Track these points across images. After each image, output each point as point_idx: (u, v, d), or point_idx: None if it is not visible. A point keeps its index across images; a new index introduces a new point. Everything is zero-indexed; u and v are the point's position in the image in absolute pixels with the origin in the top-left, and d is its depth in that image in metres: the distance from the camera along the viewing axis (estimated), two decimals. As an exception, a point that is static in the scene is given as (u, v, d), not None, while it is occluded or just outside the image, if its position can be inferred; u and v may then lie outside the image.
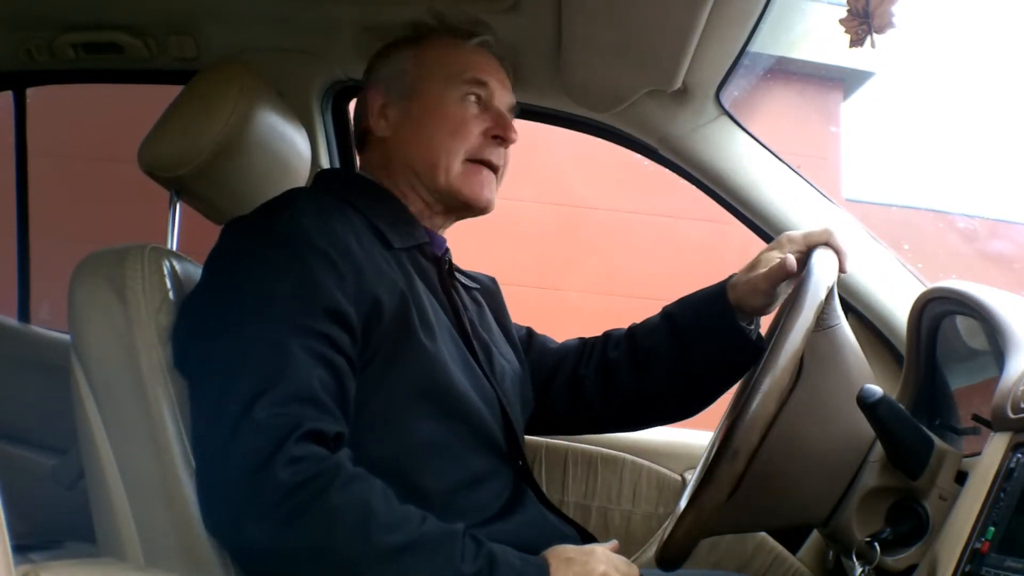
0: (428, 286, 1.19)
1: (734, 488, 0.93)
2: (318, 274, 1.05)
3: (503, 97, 1.28)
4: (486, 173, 1.25)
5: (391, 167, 1.26)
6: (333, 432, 0.99)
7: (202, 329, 1.08)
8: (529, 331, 1.44)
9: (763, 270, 1.23)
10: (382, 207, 1.22)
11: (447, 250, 1.30)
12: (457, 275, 1.32)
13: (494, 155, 1.25)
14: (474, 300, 1.34)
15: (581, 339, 1.42)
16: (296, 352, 1.00)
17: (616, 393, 1.35)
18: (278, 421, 0.95)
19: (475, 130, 1.24)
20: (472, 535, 1.01)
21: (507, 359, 1.31)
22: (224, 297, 1.08)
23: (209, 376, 1.04)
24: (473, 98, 1.25)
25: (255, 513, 0.94)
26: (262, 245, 1.09)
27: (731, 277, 1.28)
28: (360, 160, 1.35)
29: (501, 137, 1.25)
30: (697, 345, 1.28)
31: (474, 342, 1.22)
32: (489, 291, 1.40)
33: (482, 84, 1.26)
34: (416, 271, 1.19)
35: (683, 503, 1.06)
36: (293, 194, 1.18)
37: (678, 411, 1.39)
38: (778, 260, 1.20)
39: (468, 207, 1.26)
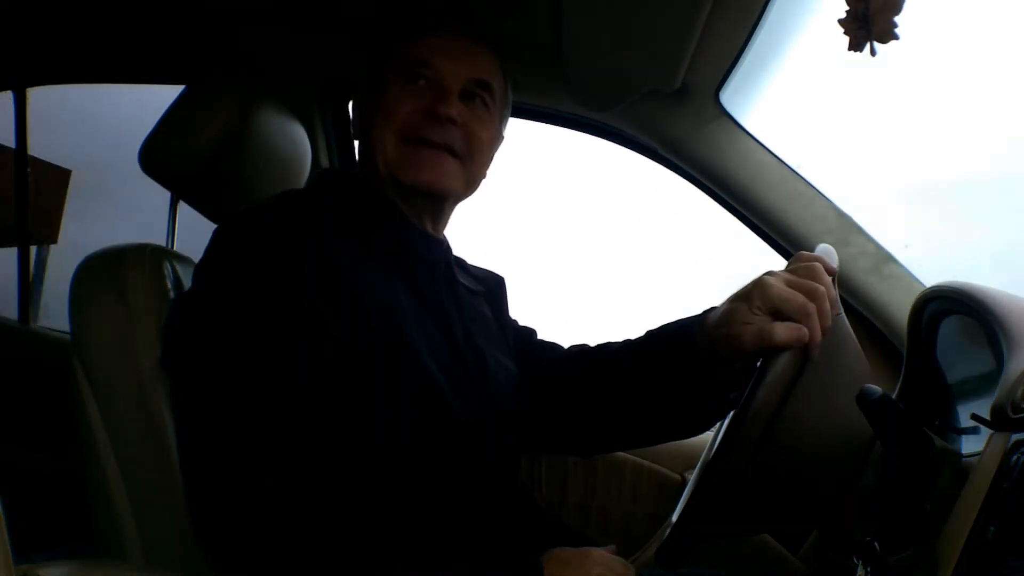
0: (416, 292, 1.16)
1: (748, 460, 0.92)
2: (302, 277, 1.03)
3: (455, 71, 1.20)
4: (426, 152, 1.17)
5: (369, 170, 1.23)
6: (321, 435, 0.98)
7: (189, 329, 1.06)
8: (529, 337, 1.39)
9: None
10: (375, 210, 1.19)
11: (446, 251, 1.27)
12: (461, 278, 1.28)
13: (433, 133, 1.17)
14: (476, 304, 1.30)
15: (568, 351, 1.37)
16: (281, 354, 0.99)
17: (588, 421, 1.29)
18: (264, 422, 0.95)
19: (405, 108, 1.18)
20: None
21: (505, 366, 1.26)
22: (211, 298, 1.06)
23: (195, 377, 1.03)
24: (415, 79, 1.19)
25: (244, 516, 0.93)
26: (248, 247, 1.06)
27: (706, 315, 1.14)
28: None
29: (435, 112, 1.17)
30: (662, 391, 1.19)
31: (465, 352, 1.18)
32: (493, 292, 1.36)
33: (422, 64, 1.19)
34: (404, 277, 1.15)
35: (686, 495, 1.05)
36: (282, 196, 1.16)
37: (656, 439, 1.36)
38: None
39: (416, 192, 1.19)
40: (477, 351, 1.22)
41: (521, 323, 1.41)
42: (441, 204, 1.24)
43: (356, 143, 1.32)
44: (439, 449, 1.10)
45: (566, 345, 1.39)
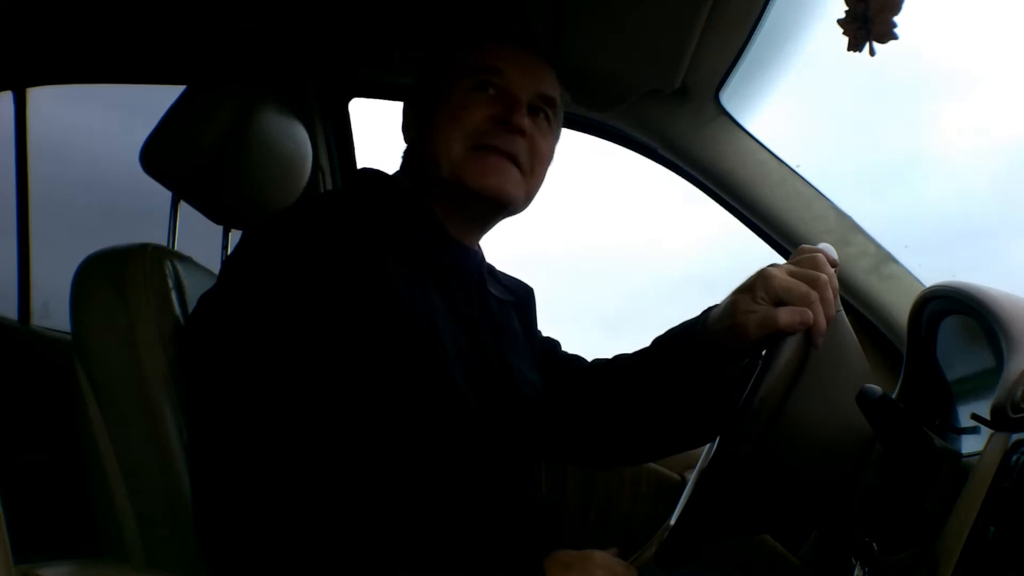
0: (448, 302, 1.15)
1: (749, 457, 0.92)
2: (331, 287, 1.02)
3: (525, 83, 1.20)
4: (495, 159, 1.16)
5: (416, 173, 1.22)
6: (333, 440, 0.98)
7: (214, 333, 1.05)
8: (553, 349, 1.38)
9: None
10: (410, 218, 1.18)
11: (480, 262, 1.26)
12: (491, 287, 1.26)
13: (502, 141, 1.16)
14: (504, 314, 1.28)
15: (588, 364, 1.36)
16: (306, 364, 0.98)
17: (606, 433, 1.29)
18: (283, 432, 0.95)
19: (477, 114, 1.17)
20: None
21: (529, 378, 1.25)
22: (238, 303, 1.04)
23: (212, 377, 1.03)
24: (484, 86, 1.19)
25: (249, 523, 0.93)
26: (280, 254, 1.04)
27: (709, 311, 1.15)
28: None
29: (507, 121, 1.16)
30: (670, 394, 1.19)
31: (492, 363, 1.17)
32: (522, 302, 1.34)
33: (494, 71, 1.19)
34: (437, 286, 1.14)
35: (686, 495, 1.05)
36: (318, 199, 1.15)
37: (669, 447, 1.34)
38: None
39: (478, 197, 1.17)
40: (504, 362, 1.21)
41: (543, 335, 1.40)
42: (497, 212, 1.23)
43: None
44: (459, 457, 1.09)
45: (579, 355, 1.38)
